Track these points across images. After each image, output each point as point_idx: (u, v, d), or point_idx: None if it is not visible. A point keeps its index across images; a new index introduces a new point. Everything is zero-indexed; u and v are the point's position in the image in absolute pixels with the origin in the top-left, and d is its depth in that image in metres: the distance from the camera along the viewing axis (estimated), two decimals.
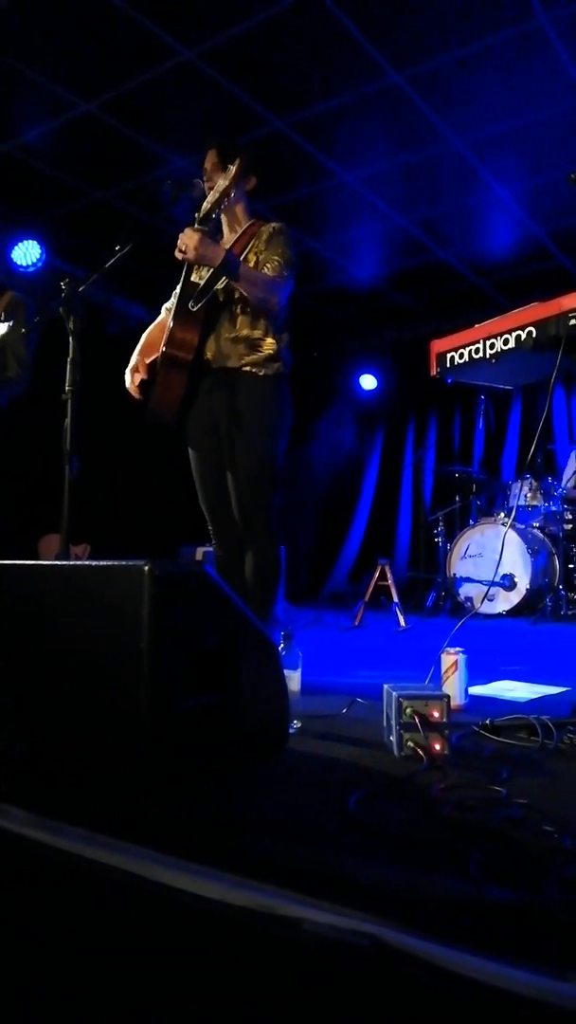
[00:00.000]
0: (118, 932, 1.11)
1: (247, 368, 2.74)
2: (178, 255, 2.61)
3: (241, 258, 2.77)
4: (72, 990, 1.08)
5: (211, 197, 2.64)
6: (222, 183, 2.62)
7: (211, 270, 2.70)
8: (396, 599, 5.22)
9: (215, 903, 1.02)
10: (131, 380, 2.93)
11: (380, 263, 6.75)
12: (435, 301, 7.48)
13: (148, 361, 2.93)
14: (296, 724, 2.04)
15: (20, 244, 5.66)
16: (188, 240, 2.56)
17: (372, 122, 4.72)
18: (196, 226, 2.59)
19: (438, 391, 7.51)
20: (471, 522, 6.00)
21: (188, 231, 2.58)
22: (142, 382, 2.90)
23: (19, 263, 5.63)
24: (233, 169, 2.61)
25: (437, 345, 2.77)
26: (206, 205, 2.65)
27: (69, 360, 2.65)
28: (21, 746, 1.64)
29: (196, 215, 2.66)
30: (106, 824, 1.27)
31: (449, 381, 2.83)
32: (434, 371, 2.77)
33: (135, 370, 2.94)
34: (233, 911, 1.00)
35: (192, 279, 2.83)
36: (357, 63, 4.18)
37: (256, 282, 2.66)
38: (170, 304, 3.00)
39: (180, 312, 2.72)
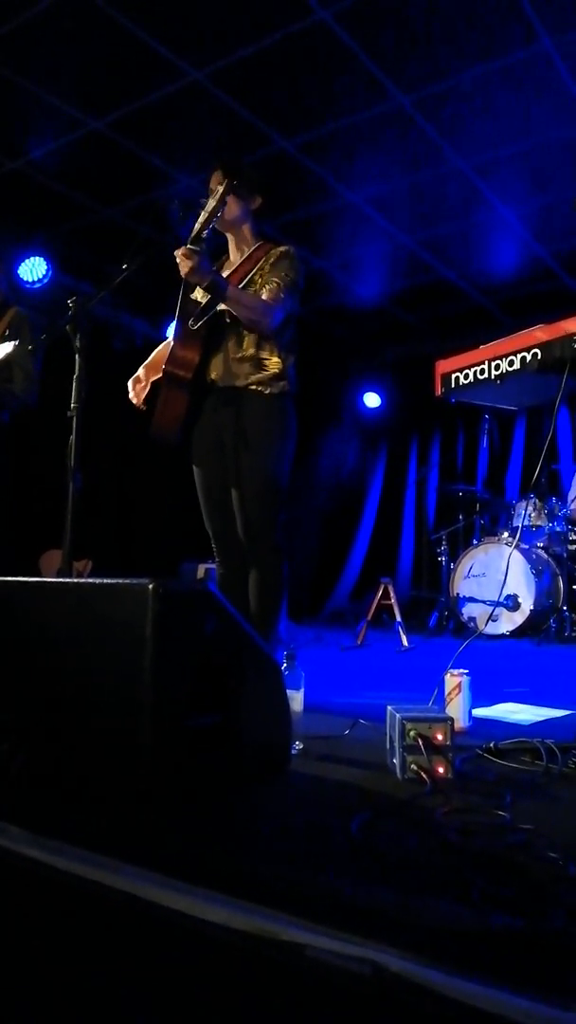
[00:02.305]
0: (116, 954, 1.10)
1: (253, 387, 2.75)
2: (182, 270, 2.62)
3: (247, 279, 2.79)
4: (69, 1013, 1.06)
5: (201, 218, 2.66)
6: (211, 203, 2.64)
7: None
8: (399, 618, 5.19)
9: (216, 927, 1.01)
10: (132, 389, 2.95)
11: (384, 282, 6.78)
12: (439, 320, 7.50)
13: (153, 379, 2.94)
14: (298, 745, 2.02)
15: (27, 260, 5.69)
16: (178, 260, 2.58)
17: (378, 143, 4.76)
18: (188, 246, 2.60)
19: (442, 410, 7.51)
20: (475, 541, 5.98)
21: (178, 252, 2.59)
22: (147, 396, 2.92)
23: (25, 279, 5.67)
24: (220, 190, 2.63)
25: (442, 365, 2.78)
26: (197, 226, 2.66)
27: (75, 377, 2.66)
28: (20, 762, 1.63)
29: (190, 235, 2.68)
30: (105, 844, 1.25)
31: (453, 401, 2.84)
32: (439, 391, 2.78)
33: (137, 381, 2.97)
34: (234, 935, 0.99)
35: (194, 297, 2.84)
36: (364, 86, 4.22)
37: (245, 304, 2.68)
38: None
39: (181, 330, 2.74)
